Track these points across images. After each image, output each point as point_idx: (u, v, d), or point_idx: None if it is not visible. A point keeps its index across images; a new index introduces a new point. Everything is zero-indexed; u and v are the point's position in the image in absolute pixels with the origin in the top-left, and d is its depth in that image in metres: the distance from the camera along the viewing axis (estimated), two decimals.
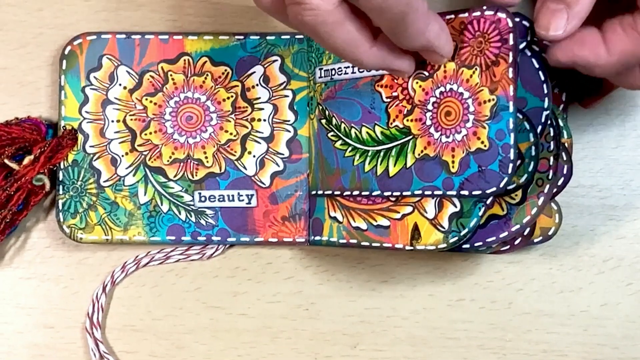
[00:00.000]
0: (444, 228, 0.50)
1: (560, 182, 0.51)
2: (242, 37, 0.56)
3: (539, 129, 0.50)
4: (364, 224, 0.52)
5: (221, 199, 0.55)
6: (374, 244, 0.52)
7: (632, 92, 0.57)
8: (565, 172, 0.51)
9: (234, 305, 0.57)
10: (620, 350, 0.56)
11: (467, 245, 0.51)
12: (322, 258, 0.57)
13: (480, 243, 0.51)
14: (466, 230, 0.49)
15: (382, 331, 0.56)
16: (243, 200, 0.56)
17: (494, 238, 0.51)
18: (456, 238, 0.50)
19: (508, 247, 0.53)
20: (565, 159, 0.51)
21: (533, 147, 0.50)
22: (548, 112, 0.50)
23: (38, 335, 0.56)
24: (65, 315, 0.56)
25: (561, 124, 0.52)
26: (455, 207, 0.50)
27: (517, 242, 0.52)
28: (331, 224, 0.53)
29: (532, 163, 0.50)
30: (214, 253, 0.56)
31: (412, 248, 0.51)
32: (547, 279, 0.56)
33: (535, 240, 0.53)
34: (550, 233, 0.53)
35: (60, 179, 0.55)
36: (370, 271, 0.57)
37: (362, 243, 0.52)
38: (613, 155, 0.57)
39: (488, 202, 0.49)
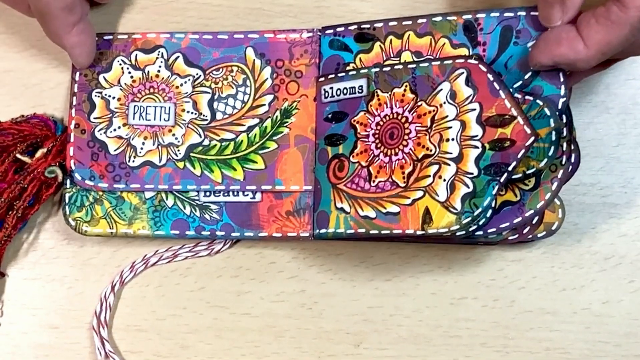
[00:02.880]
0: (456, 209, 0.50)
1: (569, 170, 0.52)
2: None
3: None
4: (373, 212, 0.52)
5: (226, 194, 0.56)
6: (383, 232, 0.52)
7: (632, 91, 0.57)
8: (572, 160, 0.52)
9: (238, 305, 0.57)
10: (623, 348, 0.56)
11: (480, 232, 0.51)
12: (326, 257, 0.57)
13: (494, 229, 0.51)
14: (480, 209, 0.49)
15: (385, 330, 0.57)
16: (247, 195, 0.56)
17: (507, 224, 0.51)
18: (469, 218, 0.49)
19: (517, 235, 0.53)
20: (573, 147, 0.52)
21: (554, 132, 0.50)
22: (565, 99, 0.51)
23: (43, 335, 0.56)
24: (70, 315, 0.57)
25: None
26: (468, 187, 0.50)
27: (525, 230, 0.53)
28: (338, 215, 0.54)
29: (552, 148, 0.50)
30: (222, 248, 0.57)
31: (423, 232, 0.50)
32: (549, 277, 0.57)
33: (539, 235, 0.53)
34: (553, 228, 0.53)
35: (69, 172, 0.56)
36: (373, 270, 0.57)
37: (371, 231, 0.52)
38: (614, 153, 0.57)
39: (502, 180, 0.49)
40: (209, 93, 0.56)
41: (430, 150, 0.51)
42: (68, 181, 0.56)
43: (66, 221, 0.55)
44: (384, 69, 0.54)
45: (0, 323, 0.56)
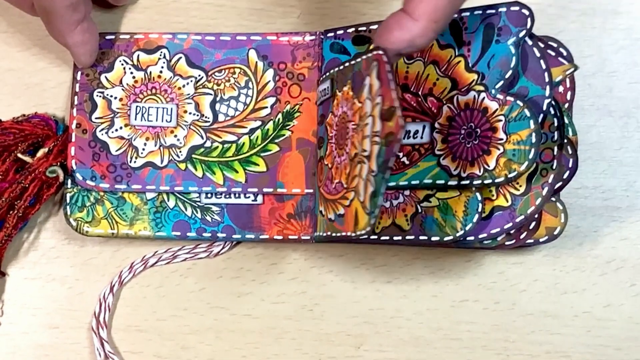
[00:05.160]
0: (368, 210, 0.47)
1: (565, 176, 0.51)
2: None
3: (540, 117, 0.50)
4: (332, 214, 0.52)
5: (227, 196, 0.56)
6: (337, 234, 0.51)
7: (635, 94, 0.57)
8: (570, 165, 0.51)
9: (238, 306, 0.57)
10: (624, 351, 0.56)
11: (472, 238, 0.51)
12: (327, 259, 0.57)
13: (485, 235, 0.51)
14: (377, 210, 0.46)
15: (386, 332, 0.57)
16: (249, 197, 0.56)
17: (498, 229, 0.51)
18: (374, 219, 0.47)
19: (514, 241, 0.53)
20: (570, 152, 0.51)
21: (534, 134, 0.49)
22: (549, 99, 0.50)
23: (43, 335, 0.56)
24: (70, 315, 0.57)
25: (566, 121, 0.52)
26: (372, 186, 0.47)
27: (522, 235, 0.52)
28: (321, 218, 0.54)
29: (532, 150, 0.49)
30: (221, 250, 0.57)
31: (354, 234, 0.48)
32: (550, 280, 0.57)
33: (541, 240, 0.53)
34: (555, 233, 0.53)
35: (70, 172, 0.56)
36: (374, 272, 0.57)
37: (333, 234, 0.51)
38: (616, 156, 0.57)
39: (386, 176, 0.46)
40: (211, 95, 0.56)
41: (357, 149, 0.49)
42: (69, 181, 0.56)
43: (67, 221, 0.55)
44: (340, 67, 0.53)
45: (0, 323, 0.56)
